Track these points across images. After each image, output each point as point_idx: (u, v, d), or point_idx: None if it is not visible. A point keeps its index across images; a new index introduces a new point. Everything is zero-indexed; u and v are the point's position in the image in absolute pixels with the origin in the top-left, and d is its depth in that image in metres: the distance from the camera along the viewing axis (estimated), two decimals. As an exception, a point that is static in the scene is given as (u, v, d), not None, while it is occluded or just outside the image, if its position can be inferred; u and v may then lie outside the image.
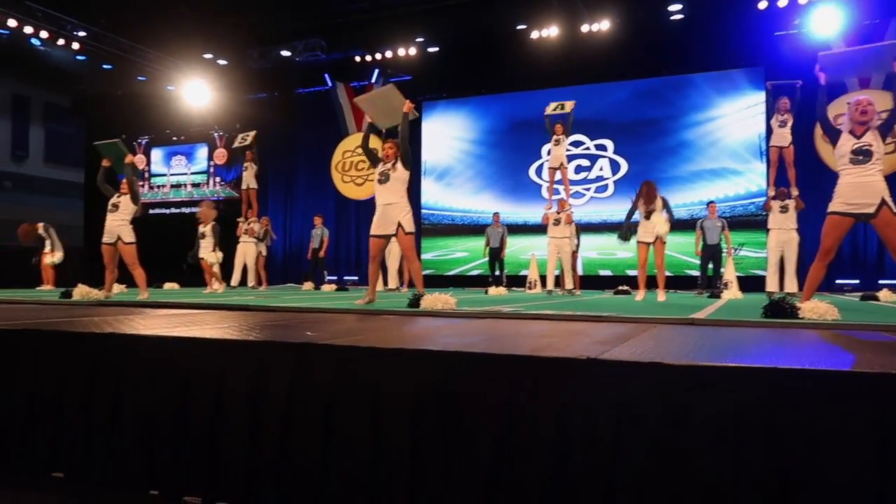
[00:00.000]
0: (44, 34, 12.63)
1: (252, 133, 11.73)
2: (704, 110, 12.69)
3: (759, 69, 12.22)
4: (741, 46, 12.06)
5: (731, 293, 7.98)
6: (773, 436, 1.76)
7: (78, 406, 2.62)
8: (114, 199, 6.95)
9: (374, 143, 14.04)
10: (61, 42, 13.05)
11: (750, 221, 11.90)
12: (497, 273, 11.47)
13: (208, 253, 9.37)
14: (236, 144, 11.81)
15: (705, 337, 2.82)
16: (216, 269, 9.27)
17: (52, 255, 10.46)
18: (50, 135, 19.25)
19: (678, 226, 12.01)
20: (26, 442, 2.69)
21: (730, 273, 8.44)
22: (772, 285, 8.45)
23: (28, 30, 12.38)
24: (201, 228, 9.56)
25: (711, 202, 10.24)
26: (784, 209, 8.54)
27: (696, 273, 10.66)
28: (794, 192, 8.58)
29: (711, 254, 9.78)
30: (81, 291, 6.38)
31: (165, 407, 2.47)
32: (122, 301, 6.10)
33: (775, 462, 1.75)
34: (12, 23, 12.08)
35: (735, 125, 12.41)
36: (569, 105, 9.74)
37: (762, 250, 9.00)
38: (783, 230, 8.48)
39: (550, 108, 9.82)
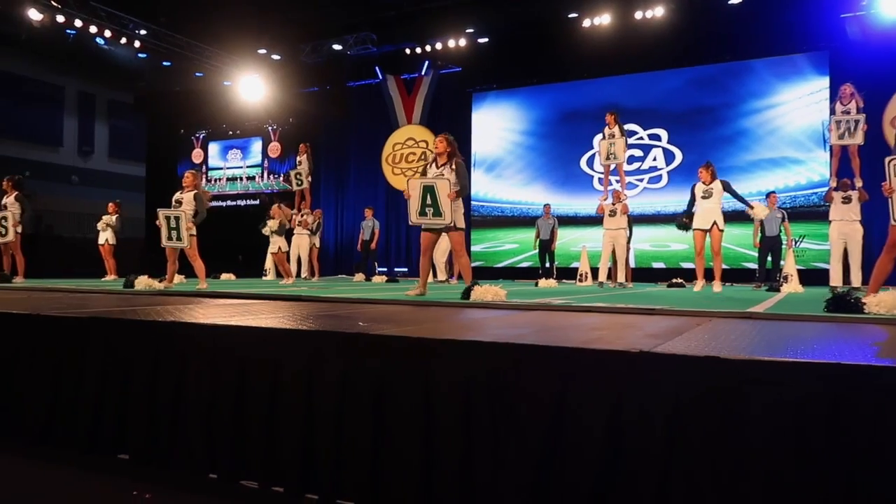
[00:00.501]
0: (108, 33, 13.13)
1: (304, 167, 11.87)
2: (764, 97, 12.27)
3: (824, 53, 11.74)
4: (804, 30, 11.57)
5: (791, 287, 7.73)
6: (836, 434, 1.70)
7: (142, 391, 2.72)
8: (177, 196, 7.18)
9: (423, 134, 14.04)
10: (124, 41, 13.54)
11: (812, 212, 11.47)
12: (547, 265, 11.39)
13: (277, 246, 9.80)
14: (294, 187, 12.04)
15: (763, 331, 2.74)
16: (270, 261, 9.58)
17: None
18: (113, 131, 20.01)
19: (735, 217, 11.73)
20: (95, 425, 2.82)
21: (790, 266, 8.15)
22: (836, 279, 8.12)
23: (93, 29, 12.88)
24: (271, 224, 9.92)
25: (771, 192, 9.91)
26: (847, 200, 8.18)
27: (753, 266, 10.36)
28: (858, 183, 8.21)
29: (770, 246, 9.47)
30: (143, 282, 6.62)
31: (224, 393, 2.55)
32: (182, 291, 6.31)
33: (837, 461, 1.69)
34: (78, 23, 12.58)
35: (796, 112, 11.96)
36: (620, 148, 9.54)
37: (824, 242, 8.67)
38: (845, 221, 8.13)
39: (604, 158, 9.70)
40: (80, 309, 3.55)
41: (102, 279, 10.20)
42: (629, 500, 1.87)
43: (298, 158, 12.05)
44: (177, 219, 6.90)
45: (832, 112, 8.68)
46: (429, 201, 5.40)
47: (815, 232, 11.27)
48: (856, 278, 8.05)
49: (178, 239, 6.89)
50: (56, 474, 2.79)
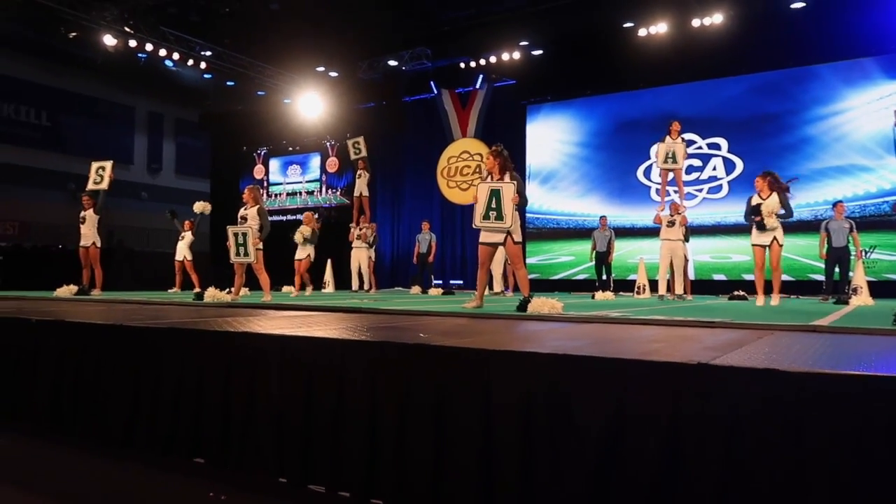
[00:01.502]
0: (176, 56, 13.78)
1: (361, 139, 12.23)
2: (830, 103, 11.88)
3: (893, 56, 11.31)
4: (872, 32, 11.16)
5: (861, 299, 7.45)
6: (900, 449, 1.68)
7: (216, 398, 2.88)
8: (242, 212, 7.46)
9: (478, 147, 14.14)
10: (190, 62, 14.20)
11: (883, 222, 11.03)
12: (604, 277, 11.28)
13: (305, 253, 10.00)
14: (352, 156, 12.33)
15: (828, 345, 2.70)
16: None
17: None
18: (180, 148, 20.88)
19: (801, 227, 11.40)
20: (172, 429, 2.99)
21: (859, 278, 7.87)
22: None
23: (162, 52, 13.56)
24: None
25: (839, 202, 9.58)
26: None
27: (820, 277, 10.01)
28: None
29: (838, 257, 9.15)
30: (211, 294, 6.90)
31: (292, 400, 2.67)
32: (248, 303, 6.55)
33: (902, 476, 1.67)
34: (149, 47, 13.26)
35: (865, 118, 11.53)
36: (680, 154, 9.40)
37: (896, 253, 8.35)
38: None
39: (661, 161, 9.60)
40: (157, 320, 3.76)
41: (169, 291, 10.66)
42: (688, 511, 1.89)
43: (358, 172, 12.33)
44: (244, 235, 7.17)
45: None
46: (493, 205, 5.53)
47: (887, 242, 10.83)
48: None
49: (246, 255, 7.16)
50: (138, 475, 2.97)
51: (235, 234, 7.21)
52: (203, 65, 14.44)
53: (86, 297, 7.81)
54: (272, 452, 2.68)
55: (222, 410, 2.85)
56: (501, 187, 5.51)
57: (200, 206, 10.51)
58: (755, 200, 6.62)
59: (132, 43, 13.06)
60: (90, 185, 9.03)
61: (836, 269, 9.19)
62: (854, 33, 11.24)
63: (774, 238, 6.52)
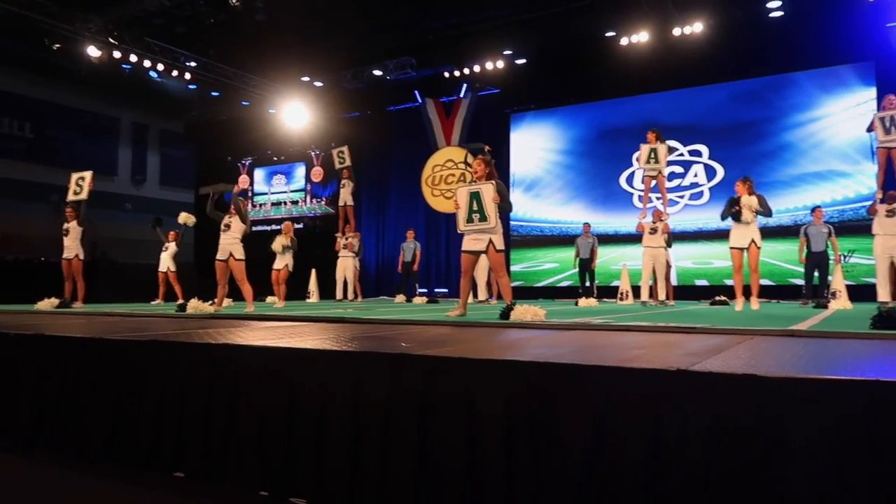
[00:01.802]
0: (160, 67, 13.73)
1: (345, 148, 12.24)
2: (808, 110, 12.07)
3: (869, 64, 11.51)
4: (848, 41, 11.36)
5: (840, 303, 7.54)
6: (878, 454, 1.70)
7: (198, 411, 2.86)
8: (226, 220, 7.44)
9: (462, 156, 14.18)
10: (175, 73, 14.14)
11: (861, 226, 11.16)
12: (587, 284, 11.34)
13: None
14: (337, 165, 12.35)
15: (806, 349, 2.73)
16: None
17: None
18: (164, 159, 20.74)
19: (781, 233, 11.54)
20: (153, 443, 2.96)
21: (838, 282, 7.97)
22: (883, 294, 7.93)
23: (147, 63, 13.51)
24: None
25: (817, 207, 9.72)
26: (891, 213, 8.00)
27: (800, 282, 10.14)
28: None
29: (817, 261, 9.27)
30: (194, 305, 6.86)
31: (274, 412, 2.66)
32: (231, 314, 6.51)
33: (880, 482, 1.69)
34: (134, 58, 13.20)
35: (842, 124, 11.72)
36: (662, 154, 9.51)
37: (874, 257, 8.47)
38: (890, 236, 7.95)
39: (643, 161, 9.69)
40: (139, 333, 3.73)
41: (152, 303, 10.57)
42: (669, 517, 1.90)
43: (343, 182, 12.33)
44: (82, 178, 7.52)
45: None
46: (475, 207, 5.56)
47: (865, 246, 10.94)
48: None
49: (78, 193, 7.66)
50: (118, 490, 2.93)
51: (77, 178, 7.69)
52: (188, 75, 14.39)
53: (67, 310, 7.73)
54: (254, 465, 2.66)
55: (204, 423, 2.83)
56: (480, 188, 5.56)
57: (185, 218, 10.45)
58: (734, 201, 6.77)
59: (117, 54, 12.98)
60: (70, 196, 8.97)
61: (816, 274, 9.31)
62: (831, 41, 11.43)
63: (752, 240, 6.64)
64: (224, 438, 2.78)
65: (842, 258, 9.36)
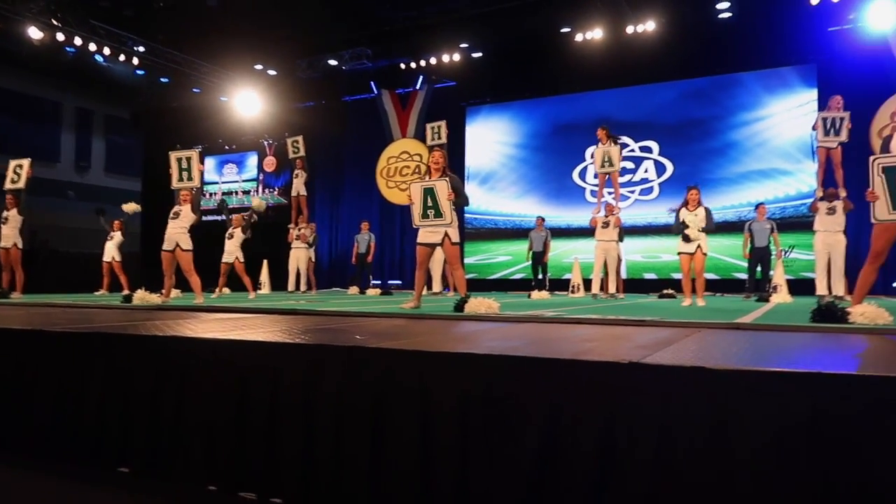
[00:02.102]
0: (106, 51, 13.22)
1: (300, 138, 12.07)
2: (753, 110, 12.43)
3: (812, 66, 11.92)
4: (793, 43, 11.76)
5: (781, 297, 7.82)
6: (818, 442, 1.76)
7: (144, 405, 2.78)
8: (175, 208, 7.24)
9: (418, 148, 14.17)
10: (122, 58, 13.64)
11: (801, 223, 11.59)
12: (540, 277, 11.46)
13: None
14: (291, 154, 12.16)
15: (750, 342, 2.81)
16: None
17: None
18: (110, 146, 20.08)
19: (726, 228, 11.86)
20: (97, 438, 2.86)
21: (779, 276, 8.26)
22: (821, 289, 8.26)
23: (92, 47, 12.98)
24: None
25: (760, 204, 10.04)
26: (831, 211, 8.33)
27: (743, 276, 10.46)
28: (842, 192, 8.38)
29: (760, 256, 9.58)
30: (140, 296, 6.66)
31: (224, 406, 2.60)
32: (179, 305, 6.35)
33: (820, 469, 1.75)
34: (78, 41, 12.68)
35: (785, 124, 12.12)
36: (616, 156, 9.65)
37: (813, 252, 8.81)
38: (829, 232, 8.28)
39: (599, 165, 9.79)
40: (82, 324, 3.61)
41: (96, 293, 10.24)
42: (620, 507, 1.93)
43: (296, 172, 12.14)
44: (188, 159, 7.04)
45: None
46: (430, 203, 5.55)
47: (805, 242, 11.37)
48: (839, 288, 8.18)
49: (190, 178, 7.11)
50: (59, 487, 2.83)
51: (179, 159, 7.12)
52: (136, 60, 13.89)
53: (5, 301, 7.42)
54: (202, 460, 2.60)
55: (150, 417, 2.75)
56: (434, 185, 5.54)
57: (130, 207, 10.13)
58: (683, 214, 6.93)
59: (60, 37, 12.43)
60: (7, 185, 8.61)
61: (759, 269, 9.62)
62: (776, 43, 11.81)
63: (699, 247, 6.87)
64: (171, 432, 2.70)
65: (783, 253, 9.70)
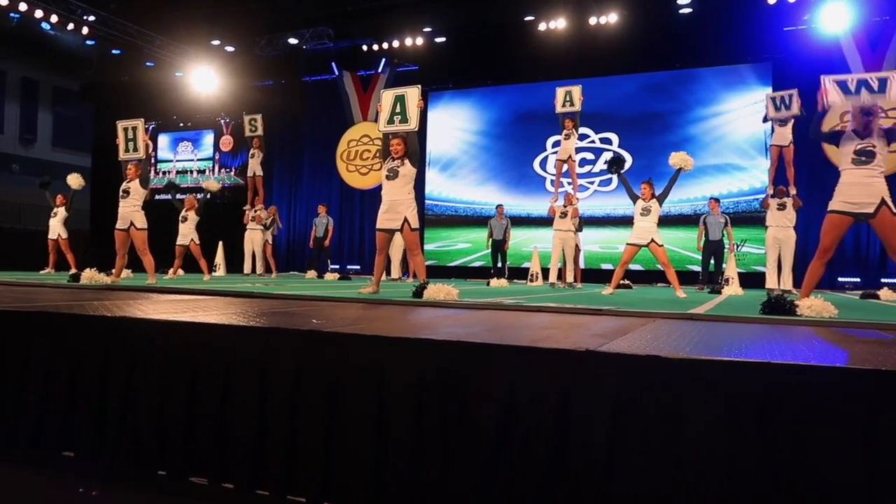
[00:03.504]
0: (54, 18, 12.67)
1: (259, 116, 11.81)
2: (710, 105, 12.68)
3: (767, 64, 12.20)
4: (749, 41, 12.03)
5: (732, 289, 8.03)
6: (767, 429, 1.80)
7: (90, 387, 2.69)
8: (124, 185, 7.02)
9: (377, 131, 13.94)
10: (71, 27, 13.09)
11: (753, 218, 11.92)
12: (499, 265, 11.52)
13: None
14: (247, 133, 11.89)
15: (703, 332, 2.87)
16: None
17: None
18: (58, 119, 19.32)
19: (681, 221, 12.12)
20: (40, 422, 2.76)
21: (731, 269, 8.47)
22: (771, 282, 8.53)
23: (38, 14, 12.42)
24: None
25: (714, 198, 10.27)
26: (782, 207, 8.61)
27: (697, 268, 10.71)
28: (793, 190, 8.66)
29: (713, 249, 9.81)
30: (89, 275, 6.45)
31: (175, 389, 2.54)
32: (131, 286, 6.17)
33: (768, 455, 1.80)
34: (23, 6, 12.12)
35: (741, 121, 12.40)
36: (577, 95, 9.66)
37: (764, 246, 9.08)
38: (780, 227, 8.57)
39: (560, 104, 9.76)
40: (25, 303, 3.47)
41: (42, 272, 9.90)
42: (574, 491, 1.95)
43: (252, 151, 11.89)
44: (134, 129, 7.02)
45: (771, 125, 9.11)
46: (398, 109, 5.62)
47: (756, 236, 11.71)
48: (787, 282, 8.46)
49: (136, 150, 7.07)
50: (-2, 472, 2.73)
51: (125, 129, 7.08)
52: (85, 30, 13.35)
53: (-58, 278, 7.10)
54: (151, 444, 2.53)
55: (97, 400, 2.66)
56: (406, 91, 5.66)
57: (73, 180, 9.77)
58: (639, 204, 6.97)
59: (2, 1, 11.87)
60: None
61: (712, 261, 9.86)
62: (733, 41, 12.06)
63: (652, 239, 6.83)
64: (119, 416, 2.63)
65: (735, 247, 9.95)
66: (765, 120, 9.64)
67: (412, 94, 5.67)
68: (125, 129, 7.15)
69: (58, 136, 19.44)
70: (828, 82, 4.33)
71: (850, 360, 2.00)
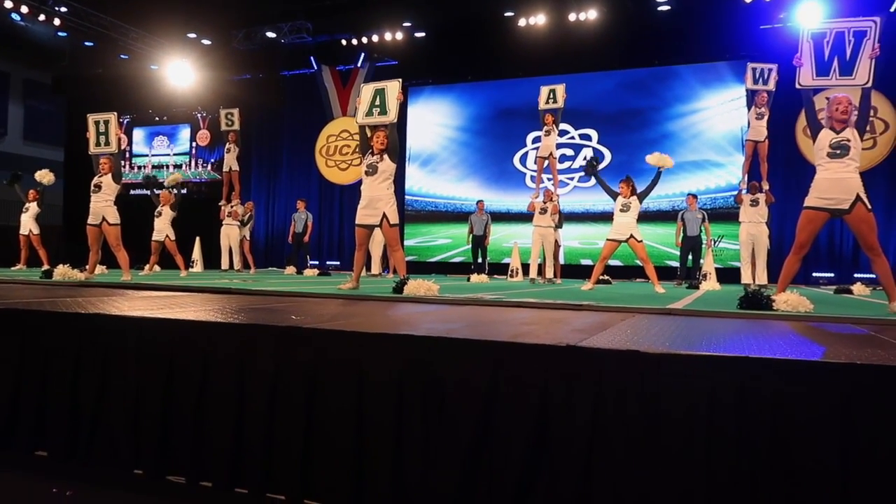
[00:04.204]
0: (24, 9, 12.40)
1: (236, 111, 11.67)
2: (688, 102, 12.79)
3: (744, 62, 12.29)
4: (727, 39, 12.15)
5: (710, 284, 8.11)
6: (744, 421, 1.82)
7: (63, 385, 2.63)
8: (96, 180, 6.89)
9: (357, 127, 13.89)
10: (42, 17, 12.81)
11: (730, 214, 12.04)
12: (480, 260, 11.53)
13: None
14: (223, 127, 11.74)
15: (682, 326, 2.89)
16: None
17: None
18: (29, 112, 18.92)
19: (660, 217, 12.22)
20: (11, 421, 2.70)
21: (709, 265, 8.56)
22: (746, 277, 8.66)
23: (8, 4, 12.14)
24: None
25: (692, 194, 10.36)
26: (755, 203, 8.73)
27: (675, 264, 10.81)
28: (765, 186, 8.80)
29: (691, 245, 9.90)
30: (62, 272, 6.34)
31: (151, 387, 2.50)
32: (105, 282, 6.08)
33: (745, 446, 1.81)
34: (-8, -3, 11.86)
35: (718, 118, 12.53)
36: (560, 93, 9.70)
37: (738, 243, 9.21)
38: (753, 223, 8.70)
39: (543, 101, 9.79)
40: (-6, 300, 3.39)
41: (13, 268, 9.71)
42: (554, 486, 1.95)
43: (227, 146, 11.75)
44: (106, 122, 6.85)
45: (748, 121, 9.21)
46: (377, 102, 5.59)
47: (733, 232, 11.80)
48: (762, 277, 8.59)
49: (108, 144, 6.91)
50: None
51: (97, 122, 6.93)
52: (57, 21, 13.08)
53: None
54: (127, 443, 2.49)
55: (70, 399, 2.61)
56: (386, 85, 5.63)
57: (42, 176, 9.59)
58: (619, 200, 7.00)
59: (-30, -10, 11.62)
60: None
61: (690, 257, 9.96)
62: (711, 38, 12.17)
63: (632, 235, 6.87)
64: (94, 414, 2.58)
65: (713, 243, 10.06)
66: (748, 112, 9.67)
67: (392, 87, 5.65)
68: (96, 123, 6.99)
69: (29, 130, 19.03)
70: (805, 37, 4.37)
71: (826, 353, 2.02)
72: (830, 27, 4.25)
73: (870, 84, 4.15)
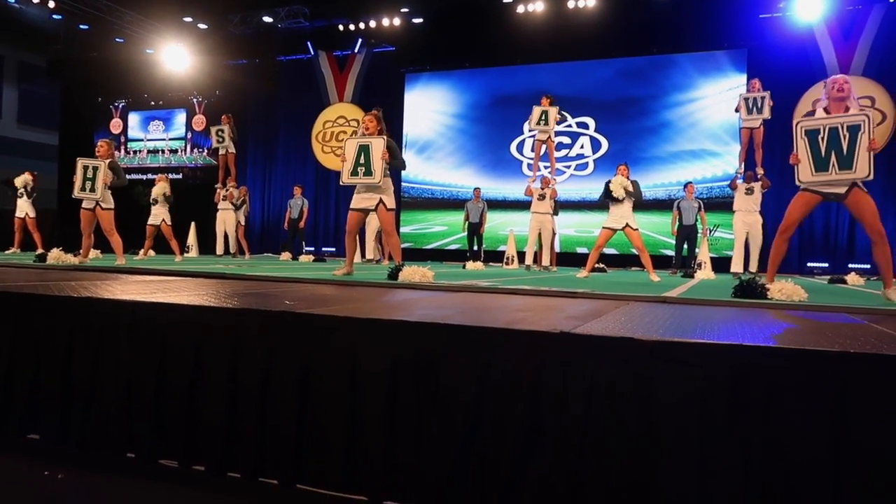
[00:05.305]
0: (18, -9, 12.29)
1: (226, 127, 11.40)
2: (686, 91, 12.75)
3: (743, 51, 12.29)
4: (725, 28, 12.12)
5: (705, 273, 8.12)
6: (737, 409, 1.83)
7: (56, 369, 2.62)
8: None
9: (355, 113, 13.92)
10: (36, 0, 12.68)
11: (726, 203, 12.03)
12: (475, 248, 11.53)
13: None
14: (214, 144, 11.62)
15: (676, 314, 2.89)
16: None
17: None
18: (24, 95, 18.79)
19: (656, 206, 12.21)
20: (3, 404, 2.69)
21: (704, 253, 8.57)
22: (737, 266, 8.68)
23: (1, -14, 12.04)
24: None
25: (689, 183, 10.35)
26: (749, 191, 8.74)
27: (671, 253, 10.82)
28: (760, 171, 8.82)
29: (687, 234, 9.91)
30: (55, 255, 6.31)
31: (144, 371, 2.49)
32: (99, 266, 6.05)
33: (738, 434, 1.82)
34: (-16, -22, 11.73)
35: (716, 107, 12.50)
36: (552, 115, 9.68)
37: (733, 231, 9.22)
38: (748, 212, 8.72)
39: (534, 121, 9.79)
40: (-13, 283, 3.37)
41: (7, 251, 9.68)
42: (549, 471, 1.96)
43: (220, 127, 11.66)
44: (94, 169, 6.60)
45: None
46: (362, 161, 5.46)
47: (729, 221, 11.81)
48: (754, 265, 8.64)
49: (93, 190, 6.60)
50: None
51: (85, 167, 6.60)
52: (52, 4, 12.97)
53: None
54: (119, 426, 2.49)
55: (62, 383, 2.60)
56: (371, 142, 5.46)
57: (22, 181, 9.56)
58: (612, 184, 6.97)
59: (-37, -29, 11.49)
60: None
61: (685, 245, 9.97)
62: (710, 27, 12.13)
63: (627, 224, 6.85)
64: (86, 399, 2.57)
65: (708, 232, 10.07)
66: (736, 110, 9.71)
67: (377, 145, 5.41)
68: (84, 168, 6.62)
69: (23, 114, 18.91)
70: (799, 133, 4.27)
71: (819, 342, 2.02)
72: (823, 123, 4.16)
73: (871, 177, 4.08)
